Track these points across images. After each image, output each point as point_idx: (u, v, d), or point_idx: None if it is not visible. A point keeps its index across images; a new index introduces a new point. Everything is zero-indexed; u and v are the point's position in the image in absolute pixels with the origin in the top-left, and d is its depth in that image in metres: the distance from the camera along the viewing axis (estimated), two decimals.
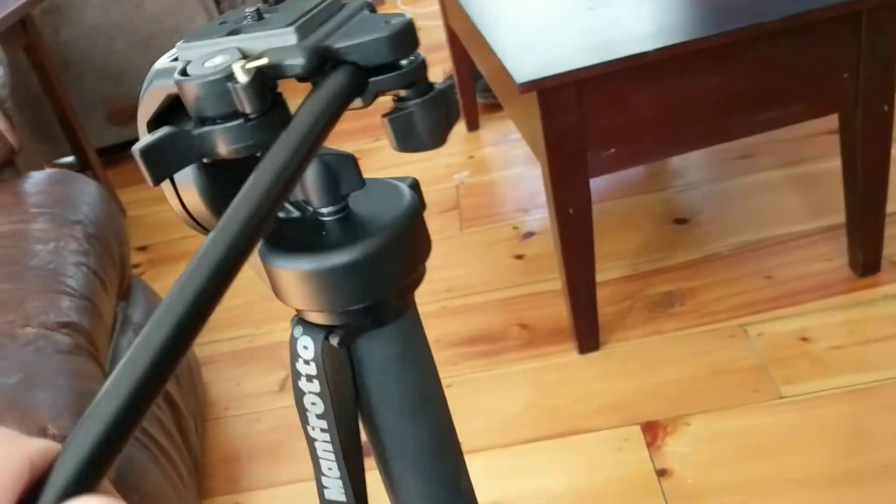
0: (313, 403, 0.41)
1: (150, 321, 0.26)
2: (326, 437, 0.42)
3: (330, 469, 0.43)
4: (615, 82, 1.18)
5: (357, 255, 0.37)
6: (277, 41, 0.33)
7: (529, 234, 1.76)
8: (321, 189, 0.38)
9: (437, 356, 0.43)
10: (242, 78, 0.31)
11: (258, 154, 0.33)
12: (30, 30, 1.99)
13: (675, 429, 1.28)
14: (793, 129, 1.81)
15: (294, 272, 0.37)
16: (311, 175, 0.38)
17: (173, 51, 0.36)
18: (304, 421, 0.42)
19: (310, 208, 0.40)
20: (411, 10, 3.15)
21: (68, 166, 2.20)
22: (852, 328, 1.37)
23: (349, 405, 0.42)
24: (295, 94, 0.34)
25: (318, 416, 0.41)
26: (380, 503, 0.49)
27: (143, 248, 2.05)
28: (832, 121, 1.38)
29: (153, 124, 0.36)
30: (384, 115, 0.35)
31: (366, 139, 2.24)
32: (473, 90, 2.13)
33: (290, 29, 0.33)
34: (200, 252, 0.26)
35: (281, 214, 0.41)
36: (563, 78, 1.15)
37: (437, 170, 2.04)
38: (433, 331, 1.48)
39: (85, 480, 0.23)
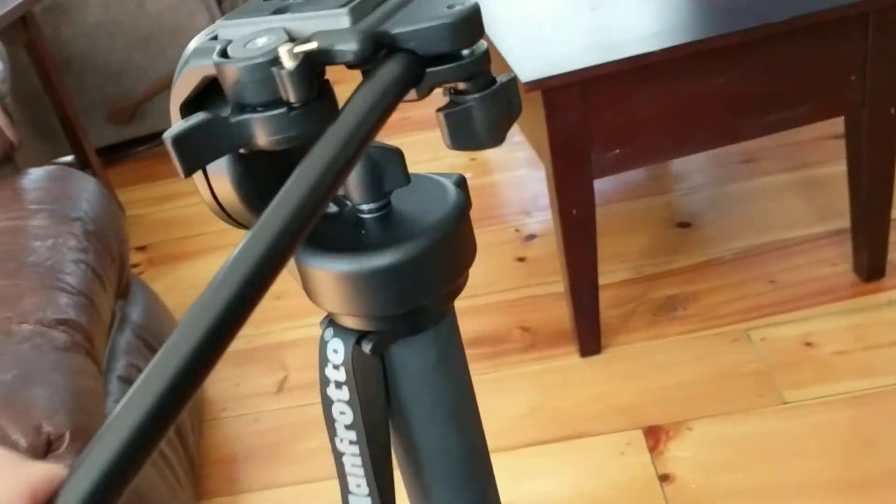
0: (342, 413, 0.39)
1: (177, 329, 0.23)
2: (355, 449, 0.39)
3: (358, 486, 0.40)
4: (620, 82, 1.17)
5: (398, 258, 0.34)
6: (328, 23, 0.30)
7: (531, 237, 1.75)
8: (363, 184, 0.36)
9: None
10: (289, 63, 0.28)
11: (300, 146, 0.30)
12: (31, 27, 1.98)
13: (677, 433, 1.27)
14: (797, 133, 1.80)
15: (329, 273, 0.35)
16: (354, 169, 0.35)
17: (212, 27, 0.33)
18: (332, 433, 0.40)
19: (349, 203, 0.38)
20: None
21: (68, 165, 2.19)
22: (857, 333, 1.36)
23: (380, 415, 0.40)
24: (342, 82, 0.32)
25: (347, 427, 0.39)
26: None
27: (142, 248, 2.04)
28: (836, 125, 1.37)
29: (187, 108, 0.33)
30: (439, 110, 0.32)
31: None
32: None
33: (344, 10, 0.30)
34: (234, 256, 0.24)
35: None
36: (568, 78, 1.14)
37: (439, 170, 2.02)
38: None
39: None
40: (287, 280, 0.40)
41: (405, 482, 0.43)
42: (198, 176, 0.36)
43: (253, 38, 0.30)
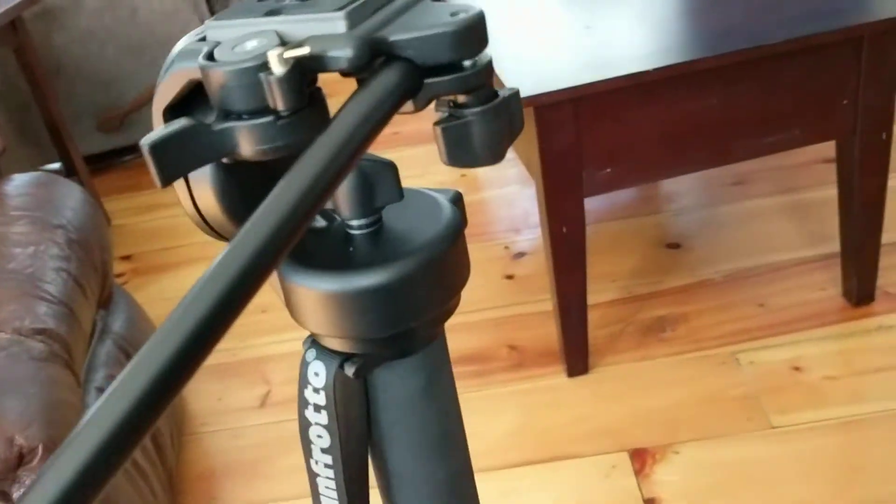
0: (319, 436, 0.37)
1: (150, 340, 0.22)
2: (330, 473, 0.38)
3: None
4: (613, 101, 1.17)
5: (387, 278, 0.32)
6: (323, 27, 0.28)
7: (520, 255, 1.74)
8: (353, 199, 0.34)
9: None
10: (278, 69, 0.27)
11: (288, 157, 0.28)
12: (20, 32, 1.96)
13: (663, 456, 1.25)
14: (787, 157, 1.80)
15: (313, 291, 0.33)
16: (345, 182, 0.33)
17: (201, 28, 0.32)
18: (308, 454, 0.38)
19: (338, 218, 0.36)
20: None
21: (55, 172, 2.17)
22: (846, 358, 1.35)
23: (359, 441, 0.38)
24: (337, 94, 0.31)
25: (324, 451, 0.38)
26: None
27: (126, 258, 2.01)
28: (826, 150, 1.37)
29: (170, 113, 0.32)
30: (437, 123, 0.30)
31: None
32: None
33: (340, 14, 0.28)
34: (212, 269, 0.23)
35: None
36: (561, 95, 1.13)
37: (428, 186, 2.01)
38: None
39: None
40: (272, 293, 0.39)
41: None
42: (179, 184, 0.35)
43: (242, 40, 0.29)
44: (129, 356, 1.24)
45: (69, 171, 2.09)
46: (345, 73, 0.29)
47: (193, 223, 0.36)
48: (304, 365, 0.37)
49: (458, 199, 0.38)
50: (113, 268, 1.38)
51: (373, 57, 0.28)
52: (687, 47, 1.19)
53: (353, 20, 0.29)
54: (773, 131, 1.24)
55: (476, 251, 1.76)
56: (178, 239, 2.01)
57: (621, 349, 1.45)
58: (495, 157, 0.31)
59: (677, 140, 1.22)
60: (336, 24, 0.28)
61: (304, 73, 0.28)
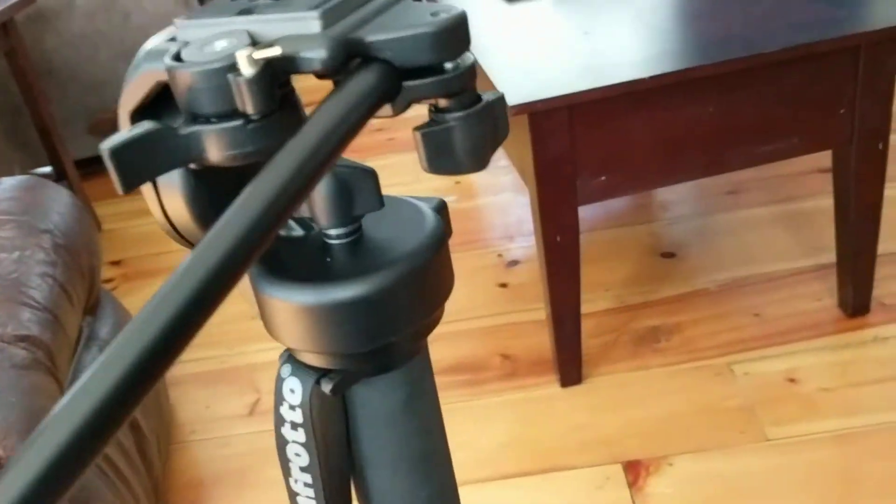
0: (297, 454, 0.36)
1: (107, 351, 0.21)
2: (310, 492, 0.36)
3: None
4: (609, 108, 1.16)
5: (366, 291, 0.31)
6: (297, 27, 0.27)
7: (514, 263, 1.73)
8: (331, 207, 0.32)
9: None
10: (247, 70, 0.26)
11: (261, 164, 0.27)
12: (12, 35, 1.95)
13: (657, 469, 1.24)
14: (782, 166, 1.79)
15: (288, 304, 0.32)
16: (321, 189, 0.32)
17: (171, 29, 0.31)
18: (286, 472, 0.37)
19: (315, 227, 0.34)
20: None
21: (45, 176, 2.15)
22: (841, 370, 1.34)
23: (339, 459, 0.37)
24: (312, 96, 0.29)
25: (303, 469, 0.36)
26: None
27: (116, 263, 2.00)
28: (822, 159, 1.36)
29: (138, 116, 0.30)
30: (417, 129, 0.29)
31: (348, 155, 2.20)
32: None
33: (315, 13, 0.27)
34: (173, 279, 0.21)
35: (281, 232, 0.35)
36: (556, 102, 1.12)
37: (422, 193, 2.00)
38: None
39: None
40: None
41: None
42: (147, 191, 0.33)
43: (211, 40, 0.27)
44: None
45: (60, 175, 2.07)
46: (319, 75, 0.27)
47: (163, 231, 0.35)
48: (280, 381, 0.35)
49: (441, 208, 0.36)
50: (101, 273, 1.37)
51: (348, 58, 0.27)
52: (684, 55, 1.18)
53: (328, 20, 0.27)
54: (769, 140, 1.23)
55: (469, 259, 1.75)
56: (169, 244, 1.98)
57: (615, 359, 1.44)
58: (478, 164, 0.29)
59: (673, 148, 1.21)
60: (310, 23, 0.27)
61: (276, 74, 0.26)
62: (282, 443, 0.37)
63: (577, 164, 1.19)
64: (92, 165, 2.36)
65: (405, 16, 0.28)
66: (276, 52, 0.26)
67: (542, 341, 1.48)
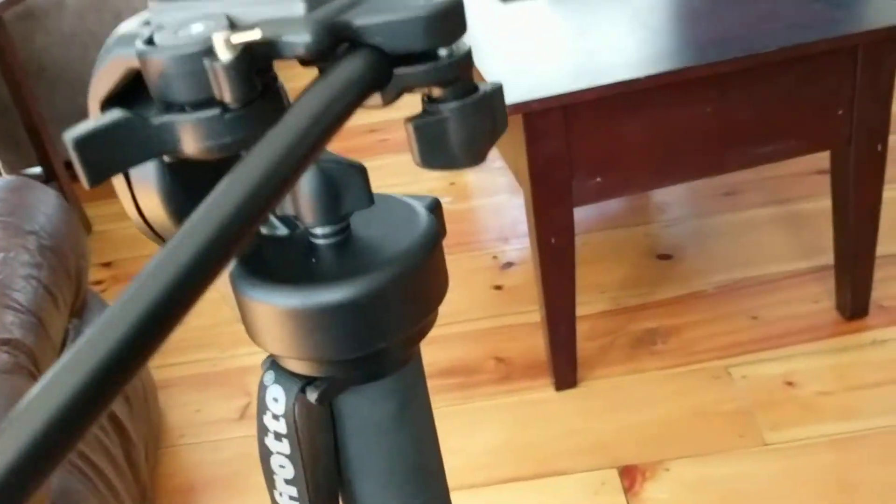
0: (282, 466, 0.34)
1: (61, 360, 0.19)
2: None
3: None
4: (604, 108, 1.14)
5: (354, 294, 0.29)
6: (280, 9, 0.25)
7: (509, 265, 1.71)
8: (317, 204, 0.30)
9: None
10: (224, 54, 0.24)
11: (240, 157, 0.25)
12: (1, 33, 1.92)
13: (654, 473, 1.22)
14: (779, 168, 1.78)
15: (271, 307, 0.30)
16: (306, 185, 0.30)
17: (146, 11, 0.29)
18: (271, 485, 0.35)
19: (300, 226, 0.32)
20: None
21: (34, 177, 2.12)
22: (840, 373, 1.33)
23: (327, 471, 0.35)
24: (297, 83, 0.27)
25: (288, 482, 0.34)
26: None
27: (107, 265, 1.97)
28: (820, 160, 1.34)
29: (108, 106, 0.28)
30: (409, 120, 0.27)
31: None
32: None
33: None
34: (143, 276, 0.20)
35: (263, 230, 0.33)
36: (551, 102, 1.10)
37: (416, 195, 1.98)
38: None
39: None
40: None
41: None
42: (120, 186, 0.31)
43: (187, 23, 0.25)
44: None
45: (49, 176, 2.05)
46: (303, 62, 0.25)
47: (137, 229, 0.33)
48: (263, 389, 0.34)
49: (435, 207, 0.34)
50: (89, 275, 1.34)
51: (335, 43, 0.25)
52: (680, 55, 1.16)
53: (314, 2, 0.25)
54: (766, 141, 1.22)
55: (464, 261, 1.73)
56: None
57: (611, 362, 1.42)
58: (474, 158, 0.27)
59: (669, 149, 1.19)
60: (293, 5, 0.25)
61: (256, 60, 0.24)
62: (265, 454, 0.35)
63: (572, 165, 1.17)
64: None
65: None
66: (255, 35, 0.24)
67: (536, 344, 1.46)
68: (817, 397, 1.29)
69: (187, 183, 0.30)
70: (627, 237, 1.72)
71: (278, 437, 0.34)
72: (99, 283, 1.90)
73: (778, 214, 1.70)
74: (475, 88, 0.27)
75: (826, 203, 1.36)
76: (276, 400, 0.33)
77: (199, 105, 0.25)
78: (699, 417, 1.29)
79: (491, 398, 1.40)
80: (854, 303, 1.39)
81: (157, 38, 0.25)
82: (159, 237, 0.33)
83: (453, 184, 2.02)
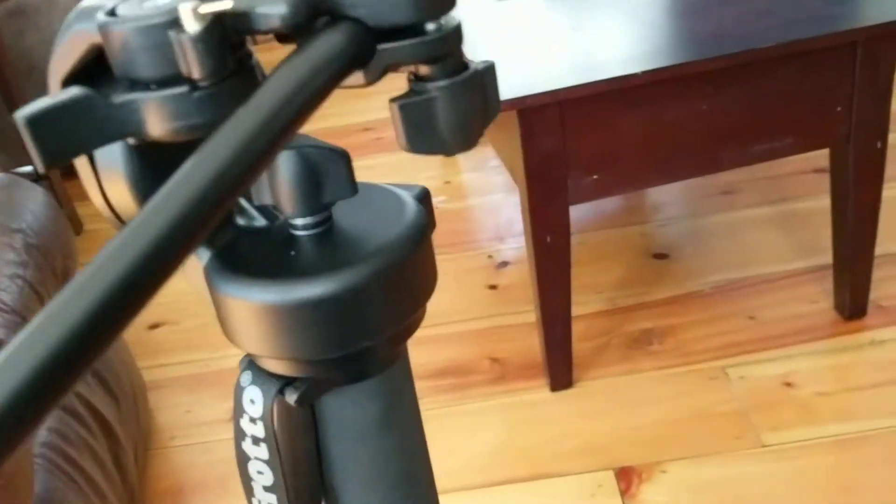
0: (260, 472, 0.32)
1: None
2: None
3: None
4: (600, 105, 1.12)
5: (336, 288, 0.27)
6: None
7: (504, 264, 1.69)
8: (296, 192, 0.29)
9: None
10: (192, 26, 0.22)
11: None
12: None
13: (650, 475, 1.20)
14: (777, 167, 1.77)
15: (247, 303, 0.28)
16: (285, 172, 0.28)
17: None
18: (249, 492, 0.34)
19: (280, 217, 0.31)
20: None
21: (25, 176, 2.10)
22: (838, 374, 1.31)
23: (308, 478, 0.33)
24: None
25: (266, 489, 0.33)
26: None
27: None
28: (817, 159, 1.33)
29: (70, 84, 0.26)
30: (394, 100, 0.25)
31: None
32: None
33: None
34: (96, 263, 0.18)
35: (240, 221, 0.31)
36: (546, 98, 1.09)
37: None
38: None
39: None
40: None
41: None
42: (84, 171, 0.30)
43: None
44: (92, 369, 1.18)
45: (39, 175, 2.02)
46: (279, 36, 0.23)
47: (104, 217, 0.31)
48: (239, 390, 0.32)
49: (424, 197, 0.32)
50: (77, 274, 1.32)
51: (313, 15, 0.23)
52: (677, 51, 1.14)
53: None
54: (764, 139, 1.20)
55: (459, 260, 1.71)
56: None
57: (607, 363, 1.40)
58: (464, 142, 0.25)
59: (666, 146, 1.18)
60: None
61: (227, 33, 0.23)
62: (243, 459, 0.33)
63: (567, 163, 1.15)
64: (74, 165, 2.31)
65: None
66: (226, 5, 0.23)
67: (531, 344, 1.45)
68: (816, 398, 1.28)
69: (157, 169, 0.28)
70: (623, 237, 1.70)
71: (256, 441, 0.32)
72: None
73: (775, 214, 1.68)
74: (465, 66, 0.25)
75: (824, 202, 1.35)
76: (253, 402, 0.31)
77: (165, 82, 0.23)
78: (696, 419, 1.28)
79: (485, 399, 1.39)
80: (853, 303, 1.38)
81: (119, 10, 0.24)
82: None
83: (448, 182, 2.00)
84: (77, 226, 2.08)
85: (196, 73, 0.23)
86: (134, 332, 1.62)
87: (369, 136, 2.19)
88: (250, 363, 0.32)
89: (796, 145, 1.21)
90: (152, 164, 0.28)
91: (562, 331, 1.30)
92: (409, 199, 0.31)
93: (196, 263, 0.30)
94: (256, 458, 0.33)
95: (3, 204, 1.19)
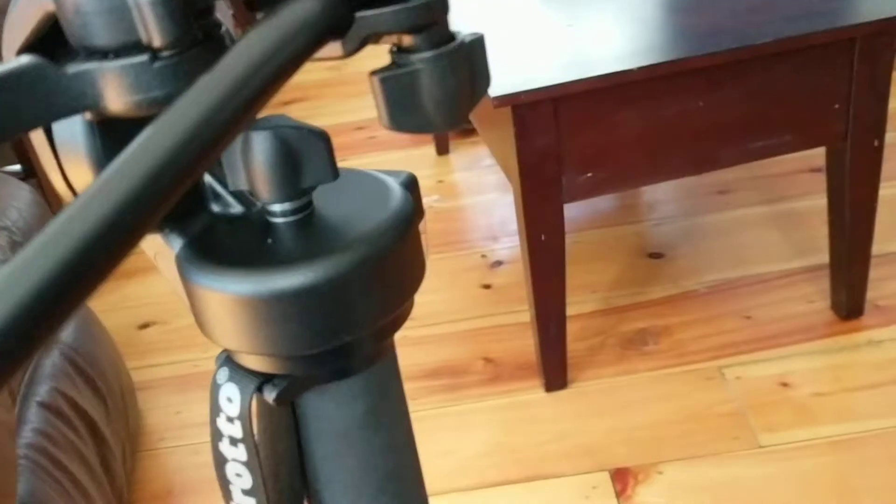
0: (238, 475, 0.31)
1: None
2: None
3: None
4: (595, 102, 1.11)
5: (316, 278, 0.26)
6: None
7: (498, 263, 1.68)
8: (273, 176, 0.27)
9: None
10: None
11: None
12: None
13: (646, 477, 1.19)
14: (772, 166, 1.76)
15: (222, 295, 0.26)
16: (261, 155, 0.26)
17: None
18: (227, 496, 0.32)
19: (257, 203, 0.29)
20: None
21: (13, 175, 2.08)
22: (836, 374, 1.30)
23: (289, 480, 0.31)
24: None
25: (245, 493, 0.31)
26: None
27: None
28: (813, 159, 1.32)
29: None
30: (374, 73, 0.23)
31: None
32: None
33: None
34: (41, 240, 0.16)
35: (215, 208, 0.30)
36: (540, 94, 1.07)
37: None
38: None
39: None
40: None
41: None
42: (43, 148, 0.28)
43: None
44: (77, 368, 1.16)
45: (27, 173, 2.00)
46: (249, 3, 0.22)
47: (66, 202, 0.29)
48: (215, 388, 0.30)
49: (410, 183, 0.30)
50: None
51: None
52: (672, 47, 1.13)
53: None
54: (760, 136, 1.19)
55: (452, 260, 1.70)
56: None
57: (602, 363, 1.39)
58: (451, 119, 0.23)
59: (662, 144, 1.17)
60: None
61: None
62: (220, 461, 0.32)
63: (562, 160, 1.14)
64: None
65: None
66: None
67: (526, 344, 1.43)
68: (813, 399, 1.26)
69: (121, 147, 0.27)
70: (618, 236, 1.69)
71: (234, 442, 0.30)
72: None
73: (771, 213, 1.67)
74: (452, 37, 0.23)
75: (820, 201, 1.34)
76: (230, 400, 0.30)
77: (123, 51, 0.21)
78: (692, 419, 1.26)
79: (479, 400, 1.37)
80: (849, 302, 1.37)
81: None
82: None
83: (441, 182, 1.98)
84: None
85: (157, 40, 0.21)
86: (123, 332, 1.60)
87: (362, 135, 2.17)
88: (227, 359, 0.30)
89: (793, 143, 1.20)
90: (115, 143, 0.26)
91: (556, 331, 1.29)
92: (394, 185, 0.30)
93: (168, 252, 0.28)
94: (234, 460, 0.31)
95: None
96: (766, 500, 1.13)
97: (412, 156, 2.06)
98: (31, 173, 2.00)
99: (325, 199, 0.29)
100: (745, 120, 1.17)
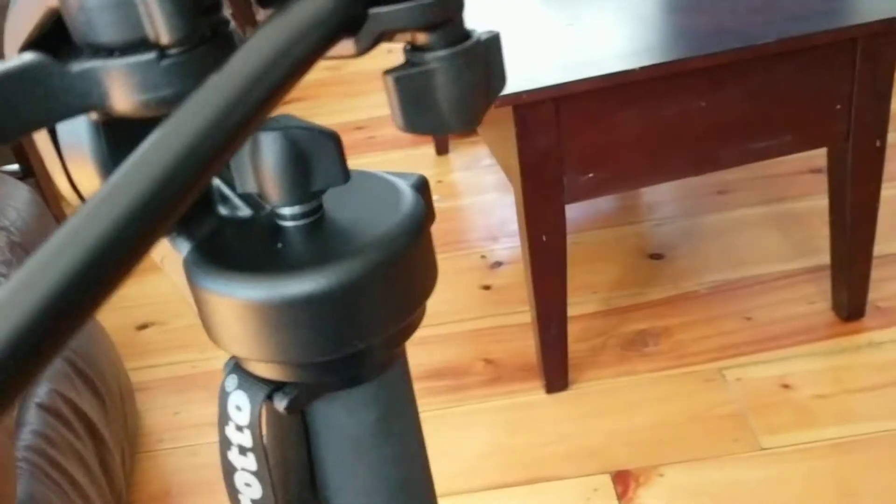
0: (247, 485, 0.30)
1: None
2: None
3: None
4: (596, 102, 1.10)
5: (328, 284, 0.25)
6: None
7: (498, 264, 1.67)
8: (283, 179, 0.26)
9: None
10: None
11: None
12: None
13: (647, 479, 1.18)
14: (773, 166, 1.75)
15: (231, 301, 0.26)
16: (271, 156, 0.26)
17: None
18: None
19: (266, 206, 0.28)
20: None
21: (12, 174, 2.07)
22: (837, 376, 1.29)
23: (299, 490, 0.31)
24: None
25: (255, 503, 0.30)
26: None
27: None
28: (814, 159, 1.32)
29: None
30: (388, 72, 0.23)
31: None
32: None
33: None
34: (46, 251, 0.16)
35: (223, 211, 0.29)
36: (541, 94, 1.07)
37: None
38: None
39: None
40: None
41: None
42: (47, 150, 0.27)
43: None
44: (77, 370, 1.15)
45: (25, 173, 2.00)
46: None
47: (71, 204, 0.29)
48: (224, 396, 0.29)
49: (422, 186, 0.30)
50: None
51: None
52: (674, 47, 1.13)
53: None
54: (762, 137, 1.18)
55: (452, 260, 1.69)
56: None
57: (602, 364, 1.39)
58: (465, 120, 0.23)
59: (663, 144, 1.16)
60: None
61: None
62: (229, 470, 0.31)
63: (563, 160, 1.13)
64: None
65: None
66: None
67: (526, 345, 1.43)
68: (814, 400, 1.26)
69: (127, 148, 0.26)
70: (617, 237, 1.68)
71: (243, 451, 0.30)
72: None
73: (772, 214, 1.67)
74: (468, 35, 0.22)
75: (821, 202, 1.33)
76: (239, 409, 0.29)
77: (129, 48, 0.21)
78: (693, 421, 1.26)
79: (480, 401, 1.37)
80: (851, 304, 1.36)
81: None
82: None
83: (441, 182, 1.98)
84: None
85: (164, 37, 0.20)
86: (121, 333, 1.60)
87: (362, 135, 2.17)
88: (236, 366, 0.30)
89: (795, 143, 1.20)
90: (122, 144, 0.26)
91: (557, 331, 1.28)
92: (405, 188, 0.29)
93: (175, 256, 0.28)
94: (243, 470, 0.30)
95: None
96: (767, 502, 1.13)
97: (412, 156, 2.06)
98: (30, 173, 2.00)
99: (336, 203, 0.28)
100: (747, 120, 1.16)
